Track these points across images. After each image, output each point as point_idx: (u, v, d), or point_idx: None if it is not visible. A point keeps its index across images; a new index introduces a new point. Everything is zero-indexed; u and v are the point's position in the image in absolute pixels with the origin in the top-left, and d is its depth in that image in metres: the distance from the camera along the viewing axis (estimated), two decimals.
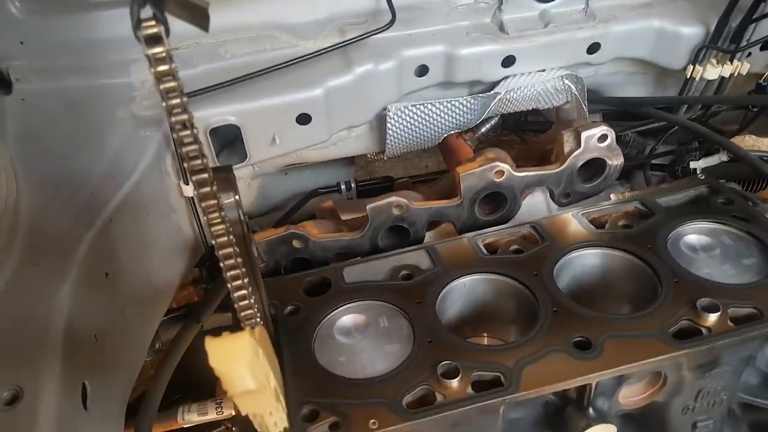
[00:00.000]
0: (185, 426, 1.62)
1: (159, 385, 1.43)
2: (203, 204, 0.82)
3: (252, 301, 0.92)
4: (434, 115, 1.49)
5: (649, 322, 1.02)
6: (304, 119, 1.33)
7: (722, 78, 1.54)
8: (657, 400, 1.07)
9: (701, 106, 1.69)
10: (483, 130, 1.84)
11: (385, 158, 1.83)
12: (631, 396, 1.08)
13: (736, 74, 1.54)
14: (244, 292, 0.91)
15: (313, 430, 0.92)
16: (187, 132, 0.64)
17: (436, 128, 1.52)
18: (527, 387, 0.94)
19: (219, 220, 0.84)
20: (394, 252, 1.27)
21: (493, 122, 1.85)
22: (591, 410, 1.03)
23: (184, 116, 0.62)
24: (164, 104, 0.61)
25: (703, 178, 1.35)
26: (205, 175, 0.70)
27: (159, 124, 1.24)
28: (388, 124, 1.45)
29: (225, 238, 0.84)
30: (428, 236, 1.36)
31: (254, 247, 1.08)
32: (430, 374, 0.97)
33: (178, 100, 0.61)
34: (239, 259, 0.90)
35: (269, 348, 0.89)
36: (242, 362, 0.67)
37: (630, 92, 1.72)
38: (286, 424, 0.92)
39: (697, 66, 1.51)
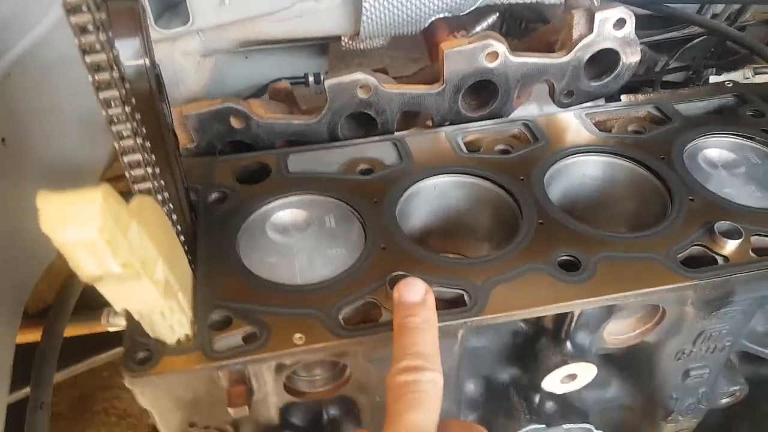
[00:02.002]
0: (111, 330, 1.44)
1: (76, 284, 1.25)
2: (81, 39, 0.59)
3: (149, 170, 0.71)
4: None
5: (654, 243, 0.82)
6: None
7: None
8: (648, 339, 0.89)
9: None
10: (478, 28, 1.59)
11: (362, 46, 1.58)
12: (618, 332, 0.90)
13: None
14: (137, 157, 0.70)
15: (221, 340, 0.73)
16: None
17: (420, 5, 1.27)
18: (495, 309, 0.76)
19: (105, 61, 0.61)
20: (353, 141, 1.05)
21: (490, 20, 1.60)
22: (569, 345, 0.85)
23: None
24: None
25: (730, 85, 1.13)
26: None
27: None
28: None
29: (112, 92, 0.62)
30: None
31: (166, 106, 0.85)
32: (378, 286, 0.78)
33: None
34: (137, 116, 0.68)
35: (163, 229, 0.68)
36: (86, 231, 0.46)
37: None
38: (188, 330, 0.73)
39: None
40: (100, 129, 1.26)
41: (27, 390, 1.31)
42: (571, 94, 1.17)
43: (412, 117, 1.24)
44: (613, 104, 1.11)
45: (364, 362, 0.77)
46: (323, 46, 1.67)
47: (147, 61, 0.77)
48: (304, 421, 0.88)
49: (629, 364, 0.97)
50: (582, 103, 1.18)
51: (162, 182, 0.78)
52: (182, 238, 0.83)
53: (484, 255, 0.86)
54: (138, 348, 0.72)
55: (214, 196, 0.93)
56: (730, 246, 0.81)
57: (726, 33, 1.27)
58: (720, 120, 1.04)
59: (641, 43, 1.76)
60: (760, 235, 0.83)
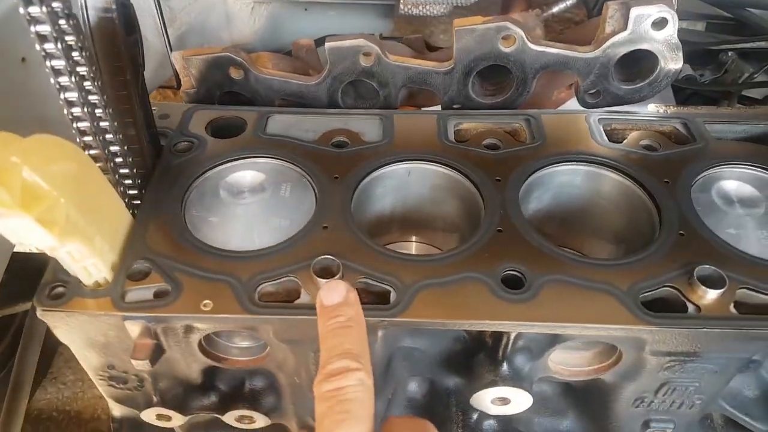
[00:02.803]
0: None
1: None
2: None
3: (87, 110, 0.70)
4: None
5: (618, 275, 0.73)
6: None
7: None
8: (604, 378, 0.80)
9: None
10: (556, 9, 1.46)
11: (417, 11, 1.50)
12: (568, 363, 0.81)
13: None
14: (73, 95, 0.69)
15: (134, 291, 0.72)
16: None
17: None
18: (415, 314, 0.70)
19: None
20: (339, 111, 1.00)
21: (569, 2, 1.46)
22: (505, 366, 0.77)
23: None
24: None
25: None
26: None
27: None
28: None
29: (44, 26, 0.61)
30: None
31: (138, 46, 0.83)
32: (303, 266, 0.74)
33: None
34: (84, 53, 0.66)
35: (81, 171, 0.67)
36: None
37: None
38: (106, 275, 0.73)
39: None
40: None
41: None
42: (598, 95, 1.06)
43: (418, 95, 1.17)
44: (636, 112, 0.98)
45: (276, 342, 0.74)
46: (389, 7, 1.59)
47: None
48: (226, 386, 0.87)
49: (586, 400, 0.89)
50: (610, 105, 1.06)
51: (114, 123, 0.77)
52: (137, 181, 0.83)
53: (431, 253, 0.79)
54: (56, 283, 0.73)
55: (180, 144, 0.91)
56: (708, 295, 0.70)
57: None
58: (752, 150, 0.90)
59: (728, 50, 1.60)
60: (749, 289, 0.71)
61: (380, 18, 1.59)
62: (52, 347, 1.79)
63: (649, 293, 0.71)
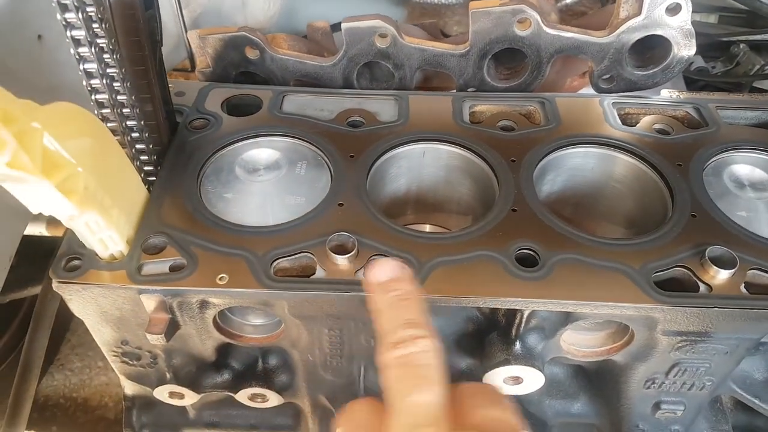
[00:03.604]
0: None
1: None
2: None
3: (106, 82, 0.70)
4: None
5: (631, 254, 0.73)
6: None
7: None
8: (616, 359, 0.81)
9: None
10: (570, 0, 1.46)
11: (450, 1, 1.49)
12: (581, 344, 0.82)
13: None
14: (92, 66, 0.69)
15: (150, 264, 0.72)
16: None
17: None
18: (430, 290, 0.70)
19: None
20: (353, 91, 1.01)
21: None
22: (518, 345, 0.78)
23: None
24: None
25: None
26: None
27: None
28: None
29: None
30: None
31: (156, 22, 0.84)
32: (319, 242, 0.74)
33: None
34: (104, 25, 0.67)
35: (100, 143, 0.67)
36: None
37: None
38: (122, 248, 0.73)
39: None
40: None
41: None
42: (611, 81, 1.06)
43: (446, 78, 1.17)
44: (649, 97, 0.98)
45: (291, 318, 0.75)
46: None
47: None
48: (239, 364, 0.87)
49: (598, 382, 0.89)
50: (624, 91, 1.06)
51: (131, 97, 0.77)
52: (153, 157, 0.83)
53: (446, 231, 0.80)
54: (71, 255, 0.73)
55: (196, 121, 0.91)
56: (719, 276, 0.70)
57: None
58: (763, 135, 0.90)
59: (740, 42, 1.59)
60: (760, 269, 0.72)
61: (394, 6, 1.59)
62: (59, 334, 1.79)
63: (662, 273, 0.72)
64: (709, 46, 1.64)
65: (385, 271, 0.62)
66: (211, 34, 1.04)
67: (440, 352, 0.55)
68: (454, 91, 1.07)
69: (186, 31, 1.37)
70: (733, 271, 0.70)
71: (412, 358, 0.53)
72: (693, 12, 1.60)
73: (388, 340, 0.55)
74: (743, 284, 0.71)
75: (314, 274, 0.73)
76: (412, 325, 0.56)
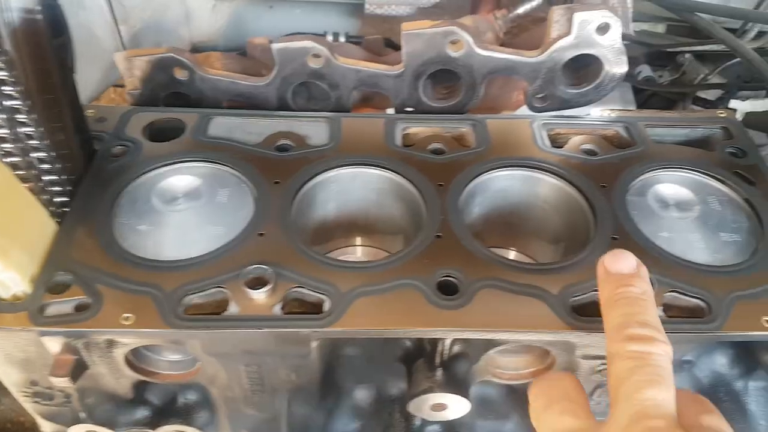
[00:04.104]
0: None
1: None
2: None
3: (9, 116, 0.67)
4: None
5: (550, 279, 0.72)
6: None
7: None
8: None
9: None
10: (521, 10, 1.45)
11: (382, 11, 1.47)
12: (506, 367, 0.81)
13: None
14: None
15: (52, 305, 0.69)
16: None
17: None
18: (347, 323, 0.68)
19: None
20: (284, 113, 0.98)
21: (535, 3, 1.46)
22: (442, 372, 0.77)
23: None
24: None
25: (722, 115, 0.99)
26: None
27: None
28: None
29: None
30: None
31: (67, 48, 0.81)
32: (234, 276, 0.72)
33: None
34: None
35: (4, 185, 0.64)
36: None
37: None
38: (25, 287, 0.70)
39: None
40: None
41: None
42: (546, 99, 1.06)
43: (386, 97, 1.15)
44: (580, 117, 0.98)
45: (206, 356, 0.72)
46: (356, 6, 1.57)
47: None
48: (158, 400, 0.84)
49: (527, 402, 0.88)
50: (558, 109, 1.06)
51: (39, 129, 0.74)
52: (67, 188, 0.80)
53: (369, 260, 0.78)
54: None
55: (114, 148, 0.88)
56: None
57: (743, 54, 1.11)
58: (692, 154, 0.91)
59: (684, 52, 1.61)
60: (678, 292, 0.72)
61: (347, 16, 1.57)
62: None
63: (579, 297, 0.71)
64: (656, 55, 1.66)
65: (628, 263, 0.61)
66: (137, 56, 1.01)
67: (672, 365, 0.55)
68: (391, 111, 1.06)
69: (124, 48, 1.33)
70: None
71: (648, 356, 0.53)
72: (641, 22, 1.62)
73: (624, 332, 0.55)
74: (662, 307, 0.71)
75: (226, 310, 0.70)
76: (650, 326, 0.56)
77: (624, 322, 0.56)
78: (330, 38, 1.47)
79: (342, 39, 1.46)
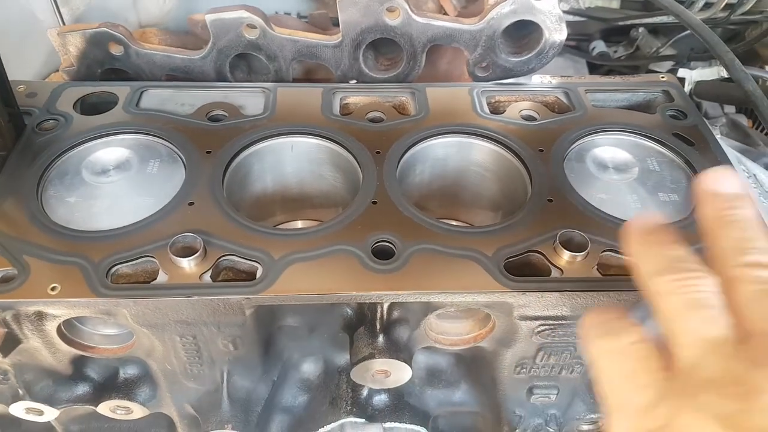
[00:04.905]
0: None
1: None
2: None
3: None
4: None
5: (485, 242, 0.72)
6: None
7: None
8: (484, 345, 0.80)
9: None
10: None
11: None
12: (448, 333, 0.81)
13: None
14: None
15: None
16: None
17: None
18: (281, 290, 0.68)
19: None
20: (220, 84, 0.97)
21: None
22: (382, 338, 0.76)
23: None
24: None
25: (663, 78, 0.99)
26: None
27: None
28: None
29: None
30: None
31: None
32: (162, 245, 0.70)
33: None
34: None
35: None
36: None
37: None
38: None
39: None
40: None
41: None
42: (488, 68, 1.05)
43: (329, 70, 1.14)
44: (519, 84, 0.98)
45: (139, 327, 0.71)
46: None
47: None
48: (98, 376, 0.82)
49: (475, 369, 0.89)
50: (500, 78, 1.06)
51: None
52: None
53: (302, 227, 0.77)
54: None
55: (44, 122, 0.86)
56: (569, 258, 0.70)
57: (688, 22, 1.11)
58: (631, 117, 0.91)
59: (639, 25, 1.63)
60: (613, 251, 0.72)
61: None
62: None
63: (514, 258, 0.71)
64: (611, 30, 1.67)
65: (728, 183, 0.54)
66: (71, 31, 0.98)
67: None
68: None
69: None
70: (584, 253, 0.70)
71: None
72: None
73: (744, 259, 0.48)
74: (596, 266, 0.71)
75: (155, 278, 0.69)
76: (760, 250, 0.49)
77: (741, 247, 0.49)
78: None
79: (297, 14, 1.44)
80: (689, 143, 0.87)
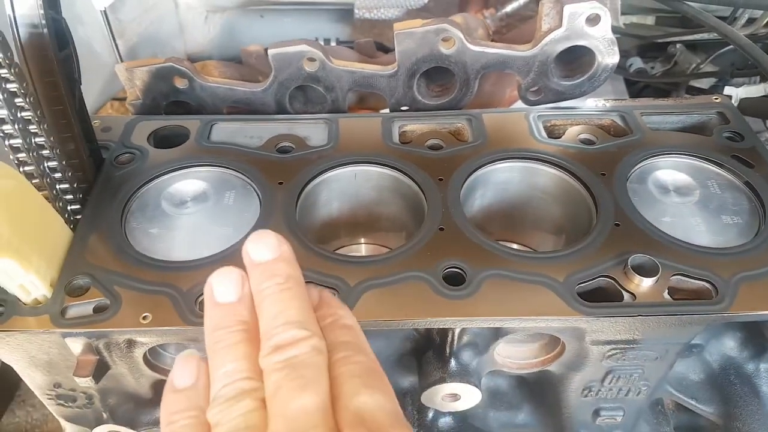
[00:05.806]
0: None
1: None
2: None
3: (17, 127, 0.69)
4: None
5: (555, 267, 0.74)
6: None
7: None
8: (552, 369, 0.82)
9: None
10: (509, 8, 1.48)
11: (370, 15, 1.50)
12: (515, 357, 0.82)
13: None
14: (2, 113, 0.68)
15: (71, 307, 0.71)
16: None
17: None
18: (359, 316, 0.68)
19: None
20: (284, 116, 1.00)
21: (522, 1, 1.48)
22: (453, 363, 0.78)
23: None
24: None
25: (717, 100, 1.00)
26: None
27: None
28: None
29: None
30: None
31: (72, 60, 0.83)
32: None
33: None
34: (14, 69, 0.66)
35: (15, 189, 0.66)
36: None
37: None
38: (45, 291, 0.72)
39: None
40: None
41: None
42: (540, 92, 1.07)
43: (381, 97, 1.18)
44: (575, 108, 1.00)
45: None
46: (345, 11, 1.60)
47: (42, 12, 0.75)
48: None
49: (539, 392, 0.90)
50: (552, 102, 1.08)
51: (50, 138, 0.76)
52: (78, 196, 0.82)
53: (374, 254, 0.80)
54: None
55: (121, 156, 0.90)
56: (643, 284, 0.71)
57: (735, 40, 1.12)
58: (689, 140, 0.92)
59: (675, 42, 1.63)
60: (683, 275, 0.73)
61: (336, 22, 1.59)
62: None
63: (586, 284, 0.73)
64: (648, 47, 1.68)
65: (260, 248, 0.53)
66: (138, 67, 1.03)
67: (325, 351, 0.50)
68: (387, 110, 1.08)
69: (121, 60, 1.36)
70: (655, 278, 0.71)
71: (294, 359, 0.48)
72: (630, 15, 1.64)
73: (269, 343, 0.49)
74: (667, 290, 0.72)
75: None
76: (293, 325, 0.49)
77: (267, 329, 0.50)
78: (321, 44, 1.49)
79: (333, 44, 1.49)
80: (749, 165, 0.88)
